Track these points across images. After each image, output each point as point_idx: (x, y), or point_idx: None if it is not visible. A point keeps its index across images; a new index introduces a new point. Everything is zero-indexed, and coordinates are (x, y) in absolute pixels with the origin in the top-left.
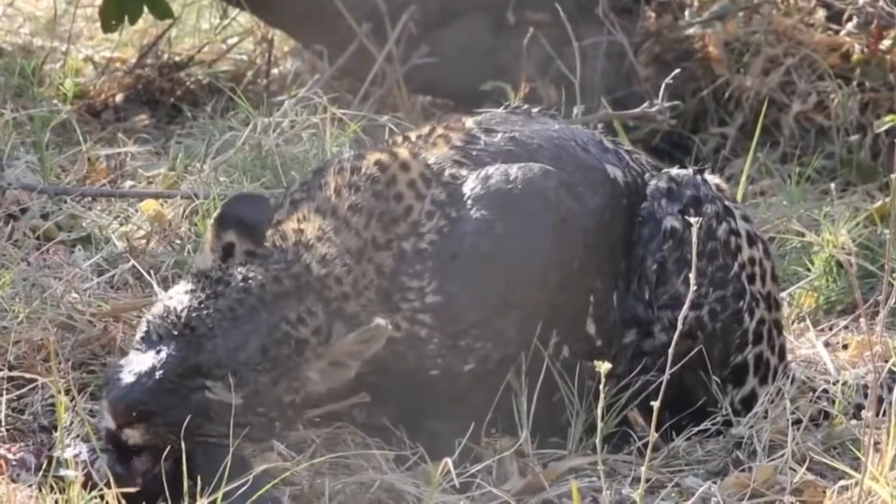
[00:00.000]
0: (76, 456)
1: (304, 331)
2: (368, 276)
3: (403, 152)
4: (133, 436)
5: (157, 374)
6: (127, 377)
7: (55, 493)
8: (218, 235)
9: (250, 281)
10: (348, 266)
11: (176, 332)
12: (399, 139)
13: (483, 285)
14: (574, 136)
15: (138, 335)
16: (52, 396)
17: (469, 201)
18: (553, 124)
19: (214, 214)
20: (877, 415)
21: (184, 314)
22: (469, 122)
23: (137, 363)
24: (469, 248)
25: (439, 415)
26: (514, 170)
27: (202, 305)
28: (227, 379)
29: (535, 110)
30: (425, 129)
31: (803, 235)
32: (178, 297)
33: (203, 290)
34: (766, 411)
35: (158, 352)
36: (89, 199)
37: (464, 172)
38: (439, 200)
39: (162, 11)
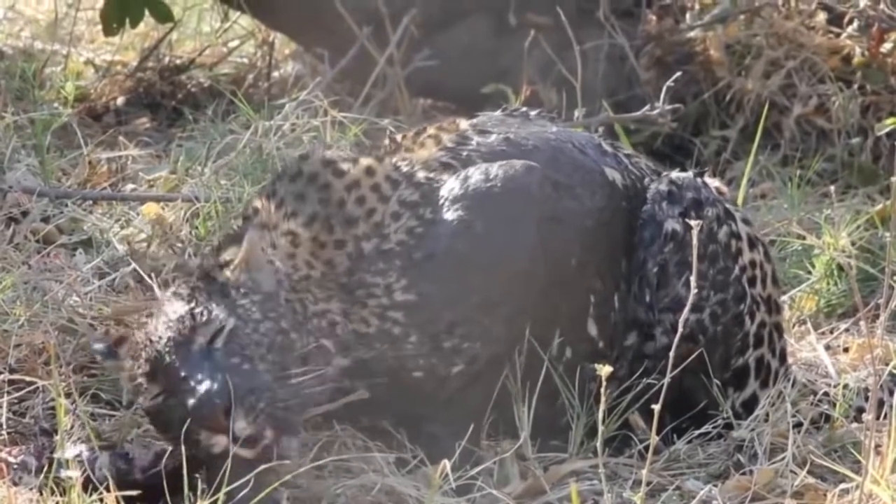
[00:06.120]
0: (76, 456)
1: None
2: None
3: (367, 159)
4: (241, 427)
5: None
6: (189, 400)
7: (56, 496)
8: None
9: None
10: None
11: (151, 363)
12: (385, 140)
13: (461, 285)
14: (572, 138)
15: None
16: (53, 399)
17: (448, 202)
18: (551, 127)
19: None
20: (877, 418)
21: (143, 358)
22: (463, 123)
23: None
24: (445, 248)
25: (438, 418)
26: (495, 168)
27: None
28: (204, 325)
29: (533, 113)
30: (413, 130)
31: (804, 238)
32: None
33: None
34: (767, 414)
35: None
36: (90, 202)
37: (444, 175)
38: (410, 201)
39: (163, 15)
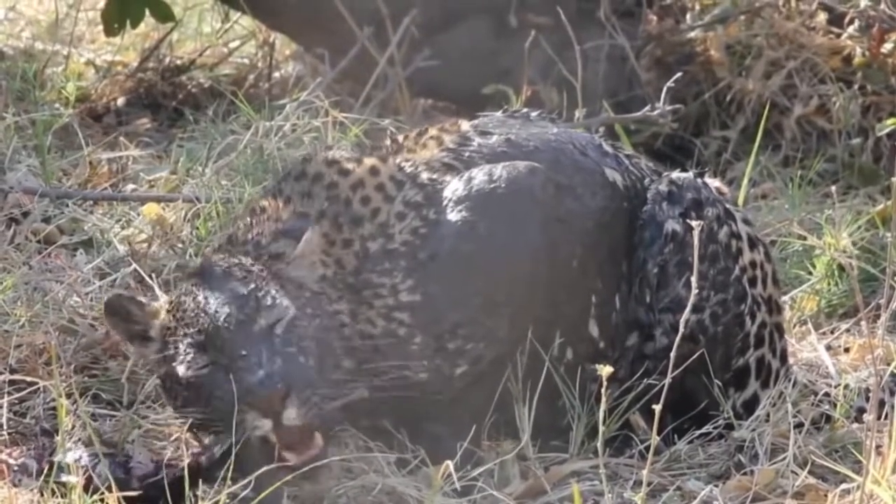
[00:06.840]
0: (77, 460)
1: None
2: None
3: (371, 159)
4: (291, 417)
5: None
6: (245, 376)
7: (56, 498)
8: None
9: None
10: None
11: (202, 338)
12: (387, 141)
13: (465, 285)
14: (572, 139)
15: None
16: (54, 400)
17: (451, 203)
18: (552, 128)
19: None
20: (878, 418)
21: (195, 327)
22: (465, 124)
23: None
24: (449, 249)
25: (439, 418)
26: (499, 169)
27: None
28: (268, 308)
29: (534, 114)
30: (415, 131)
31: (805, 239)
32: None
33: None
34: (768, 415)
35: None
36: (91, 202)
37: (447, 176)
38: (413, 202)
39: (164, 15)
